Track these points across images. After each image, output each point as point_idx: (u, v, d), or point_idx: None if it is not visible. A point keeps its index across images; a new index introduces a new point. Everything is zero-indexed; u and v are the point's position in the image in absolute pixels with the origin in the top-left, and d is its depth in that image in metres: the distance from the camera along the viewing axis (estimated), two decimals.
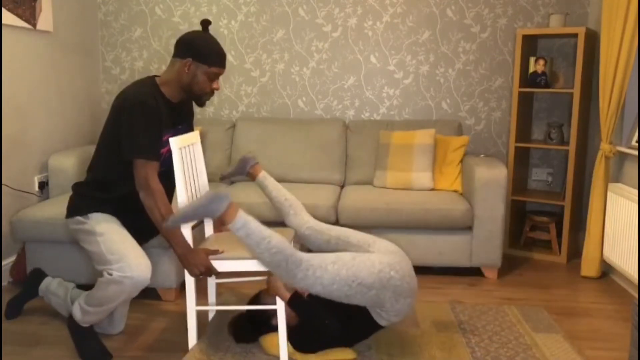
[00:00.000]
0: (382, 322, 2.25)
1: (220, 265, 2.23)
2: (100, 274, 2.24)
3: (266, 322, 2.40)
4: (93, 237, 2.27)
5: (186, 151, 2.33)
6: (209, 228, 2.57)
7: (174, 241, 2.20)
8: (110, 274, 2.19)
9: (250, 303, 2.43)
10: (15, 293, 2.78)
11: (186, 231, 2.25)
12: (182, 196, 2.22)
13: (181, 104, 2.40)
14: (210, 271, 2.21)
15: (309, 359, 2.28)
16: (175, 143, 2.21)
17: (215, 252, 2.24)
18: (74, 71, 3.86)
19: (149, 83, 2.30)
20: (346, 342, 2.32)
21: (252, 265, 2.22)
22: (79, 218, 2.32)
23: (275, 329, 2.37)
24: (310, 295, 2.28)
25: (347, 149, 3.87)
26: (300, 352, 2.29)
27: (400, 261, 2.18)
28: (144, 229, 2.52)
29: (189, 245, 2.25)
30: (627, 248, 3.01)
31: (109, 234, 2.26)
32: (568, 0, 3.84)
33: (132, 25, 4.16)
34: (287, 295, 2.23)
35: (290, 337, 2.29)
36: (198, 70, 2.26)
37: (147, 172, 2.18)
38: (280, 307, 2.22)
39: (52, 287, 2.61)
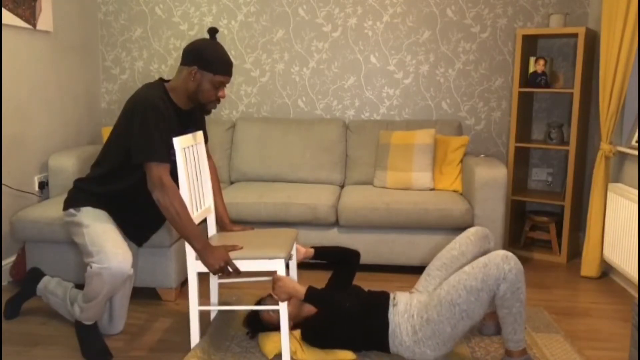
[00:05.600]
0: (393, 348, 2.26)
1: (238, 265, 2.22)
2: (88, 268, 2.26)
3: (260, 323, 2.42)
4: (80, 228, 2.31)
5: (189, 151, 2.32)
6: (211, 227, 2.57)
7: (192, 237, 2.18)
8: (91, 267, 2.22)
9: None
10: (14, 293, 2.78)
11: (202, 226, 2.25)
12: (185, 196, 2.22)
13: (190, 112, 2.41)
14: (230, 266, 2.19)
15: (308, 358, 2.29)
16: (179, 143, 2.21)
17: (235, 247, 2.22)
18: (74, 71, 3.86)
19: (159, 87, 2.30)
20: (352, 345, 2.32)
21: (271, 265, 2.21)
22: (72, 210, 2.36)
23: (269, 329, 2.40)
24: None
25: (347, 149, 3.87)
26: (310, 344, 2.30)
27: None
28: (142, 226, 2.53)
29: (207, 240, 2.25)
30: (627, 248, 3.01)
31: (94, 226, 2.28)
32: (568, 0, 3.84)
33: (132, 25, 4.16)
34: (302, 290, 2.23)
35: (304, 329, 2.32)
36: (203, 78, 2.26)
37: (160, 172, 2.17)
38: (282, 308, 2.21)
39: (51, 286, 2.62)
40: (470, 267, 2.13)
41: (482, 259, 2.13)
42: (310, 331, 2.32)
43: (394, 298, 2.33)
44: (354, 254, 2.63)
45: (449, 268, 2.38)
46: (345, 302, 2.24)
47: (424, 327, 2.17)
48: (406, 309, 2.25)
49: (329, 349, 2.31)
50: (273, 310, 2.38)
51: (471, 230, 2.48)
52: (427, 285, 2.41)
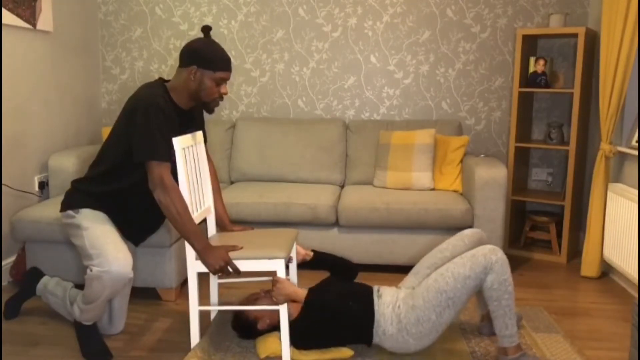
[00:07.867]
0: (376, 338, 2.26)
1: (238, 265, 2.21)
2: (88, 270, 2.26)
3: (252, 328, 2.40)
4: (79, 231, 2.30)
5: (189, 151, 2.32)
6: (211, 227, 2.57)
7: (193, 237, 2.18)
8: (91, 270, 2.21)
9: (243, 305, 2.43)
10: (14, 293, 2.78)
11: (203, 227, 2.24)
12: (185, 196, 2.22)
13: (190, 112, 2.41)
14: (230, 267, 2.19)
15: (307, 357, 2.28)
16: (178, 143, 2.21)
17: (235, 247, 2.22)
18: (74, 71, 3.86)
19: (159, 86, 2.30)
20: (339, 340, 2.32)
21: (270, 265, 2.21)
22: (70, 212, 2.35)
23: (261, 332, 2.39)
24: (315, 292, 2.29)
25: (347, 149, 3.87)
26: (298, 349, 2.29)
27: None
28: (140, 226, 2.52)
29: (207, 240, 2.25)
30: (627, 248, 3.01)
31: (93, 229, 2.28)
32: (568, 0, 3.84)
33: (132, 25, 4.16)
34: (302, 293, 2.23)
35: (291, 336, 2.29)
36: (204, 76, 2.26)
37: (161, 171, 2.17)
38: (282, 307, 2.21)
39: (50, 286, 2.62)
40: (459, 258, 2.22)
41: (471, 251, 2.22)
42: (297, 336, 2.28)
43: (378, 290, 2.34)
44: (352, 267, 2.61)
45: (439, 268, 2.36)
46: (347, 300, 2.24)
47: (409, 313, 2.19)
48: (392, 300, 2.27)
49: (323, 348, 2.30)
50: (263, 310, 2.37)
51: (466, 232, 2.50)
52: (414, 282, 2.42)
